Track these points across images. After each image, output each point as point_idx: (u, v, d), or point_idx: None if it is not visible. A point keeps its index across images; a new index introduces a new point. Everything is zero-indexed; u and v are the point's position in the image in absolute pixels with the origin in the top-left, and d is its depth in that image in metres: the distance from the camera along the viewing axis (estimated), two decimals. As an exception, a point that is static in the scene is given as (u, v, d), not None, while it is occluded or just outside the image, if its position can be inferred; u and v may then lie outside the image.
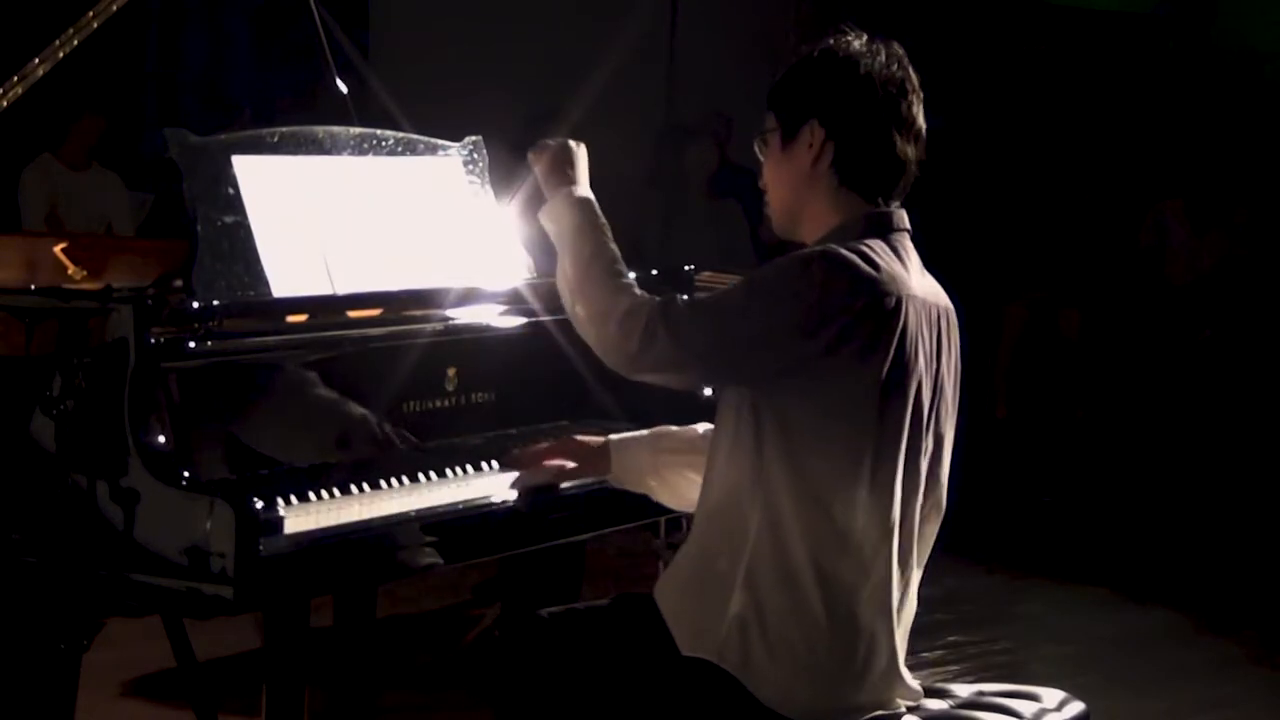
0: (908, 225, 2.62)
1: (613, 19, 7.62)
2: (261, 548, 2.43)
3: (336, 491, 2.70)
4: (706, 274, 3.68)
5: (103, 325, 2.57)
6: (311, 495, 2.66)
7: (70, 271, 3.39)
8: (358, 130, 3.20)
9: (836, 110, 2.58)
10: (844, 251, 2.49)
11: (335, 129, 3.16)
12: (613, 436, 2.91)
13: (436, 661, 4.70)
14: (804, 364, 2.46)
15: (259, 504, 2.48)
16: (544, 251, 3.46)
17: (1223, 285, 8.17)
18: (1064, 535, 6.80)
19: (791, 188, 2.63)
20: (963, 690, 2.77)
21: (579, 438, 2.94)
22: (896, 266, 2.53)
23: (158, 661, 4.09)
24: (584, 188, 2.75)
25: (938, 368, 2.59)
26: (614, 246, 2.67)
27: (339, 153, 3.13)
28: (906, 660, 2.65)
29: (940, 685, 2.72)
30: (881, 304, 2.47)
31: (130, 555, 2.50)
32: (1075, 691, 2.82)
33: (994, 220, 8.74)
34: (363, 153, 3.17)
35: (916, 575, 2.67)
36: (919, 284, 2.57)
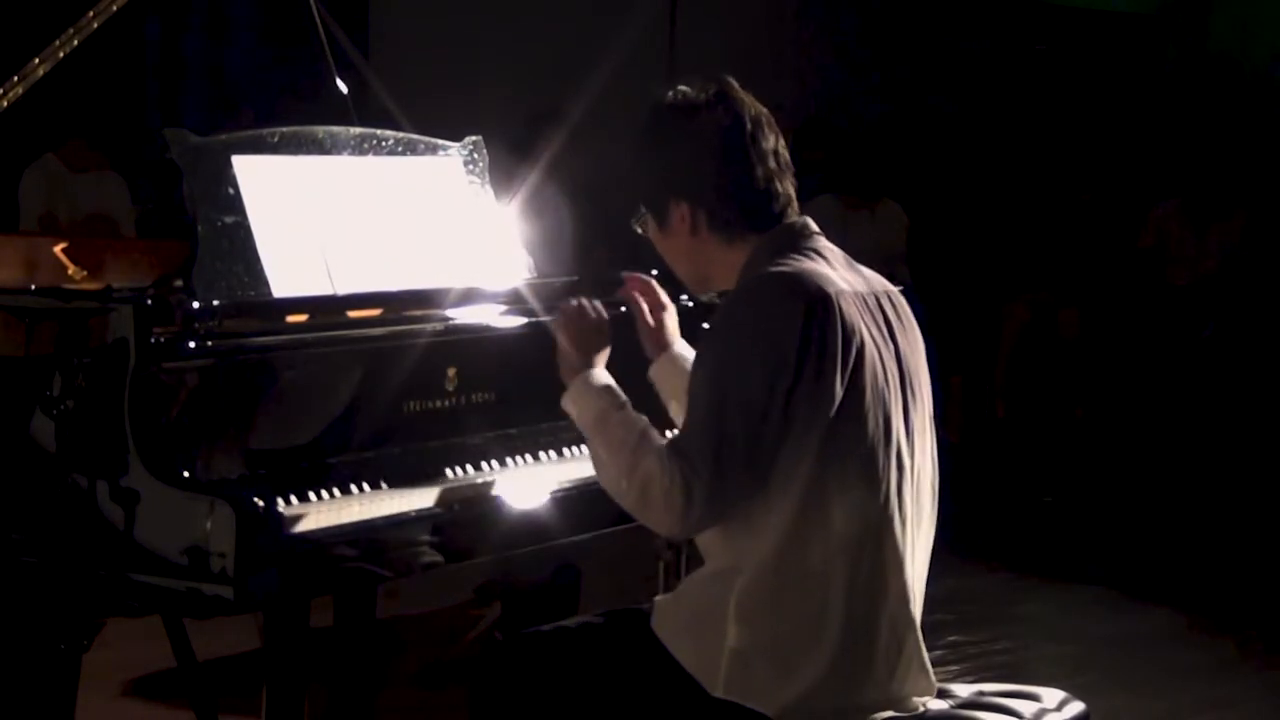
0: (814, 229, 2.65)
1: (613, 19, 7.61)
2: (261, 548, 2.44)
3: (336, 491, 2.70)
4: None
5: (103, 325, 2.57)
6: (311, 495, 2.66)
7: (70, 271, 3.39)
8: (358, 130, 3.20)
9: (687, 184, 2.62)
10: (759, 287, 2.52)
11: (335, 129, 3.17)
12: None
13: (436, 661, 4.70)
14: (794, 394, 2.46)
15: (259, 504, 2.48)
16: (544, 251, 3.46)
17: (1222, 285, 8.16)
18: (1064, 535, 6.80)
19: (686, 257, 2.69)
20: (963, 690, 2.76)
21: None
22: (816, 269, 2.55)
23: (158, 661, 4.08)
24: (600, 369, 2.69)
25: (896, 351, 2.59)
26: (636, 419, 2.58)
27: (339, 153, 3.13)
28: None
29: (940, 685, 2.72)
30: (817, 307, 2.48)
31: (130, 555, 2.50)
32: (1075, 691, 2.82)
33: (994, 220, 8.72)
34: (363, 153, 3.17)
35: (921, 562, 2.65)
36: (845, 279, 2.58)
